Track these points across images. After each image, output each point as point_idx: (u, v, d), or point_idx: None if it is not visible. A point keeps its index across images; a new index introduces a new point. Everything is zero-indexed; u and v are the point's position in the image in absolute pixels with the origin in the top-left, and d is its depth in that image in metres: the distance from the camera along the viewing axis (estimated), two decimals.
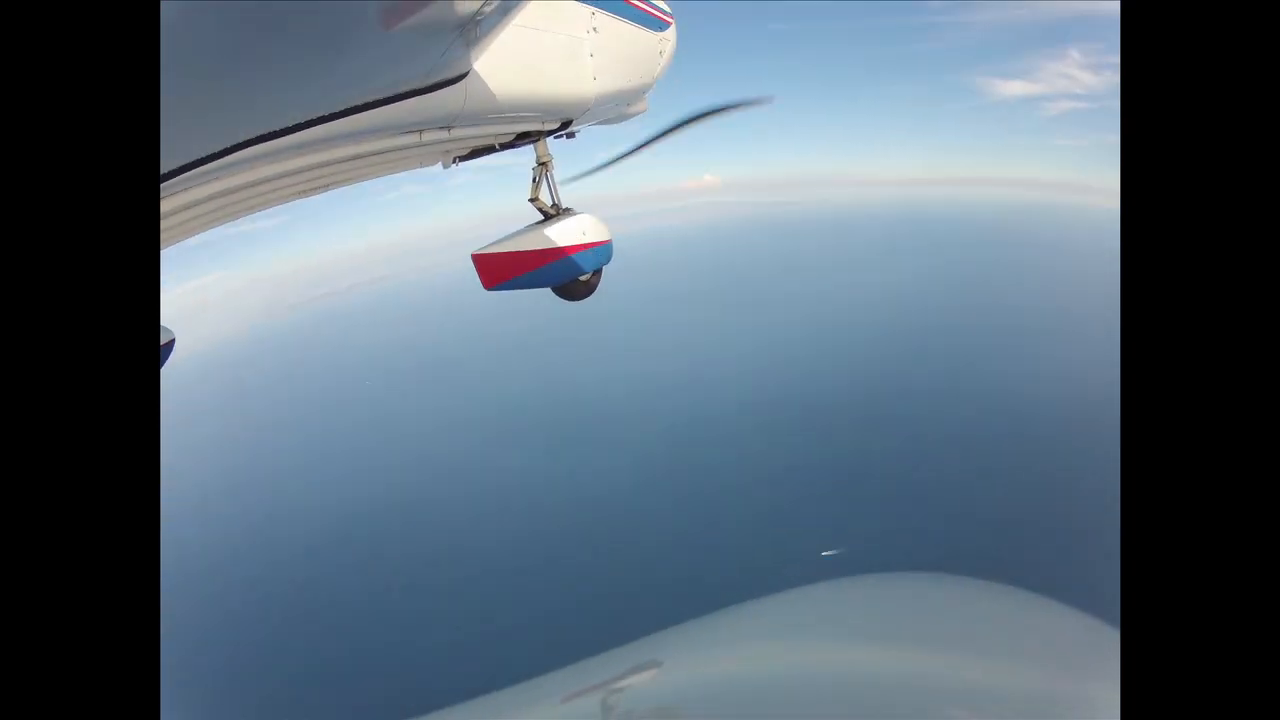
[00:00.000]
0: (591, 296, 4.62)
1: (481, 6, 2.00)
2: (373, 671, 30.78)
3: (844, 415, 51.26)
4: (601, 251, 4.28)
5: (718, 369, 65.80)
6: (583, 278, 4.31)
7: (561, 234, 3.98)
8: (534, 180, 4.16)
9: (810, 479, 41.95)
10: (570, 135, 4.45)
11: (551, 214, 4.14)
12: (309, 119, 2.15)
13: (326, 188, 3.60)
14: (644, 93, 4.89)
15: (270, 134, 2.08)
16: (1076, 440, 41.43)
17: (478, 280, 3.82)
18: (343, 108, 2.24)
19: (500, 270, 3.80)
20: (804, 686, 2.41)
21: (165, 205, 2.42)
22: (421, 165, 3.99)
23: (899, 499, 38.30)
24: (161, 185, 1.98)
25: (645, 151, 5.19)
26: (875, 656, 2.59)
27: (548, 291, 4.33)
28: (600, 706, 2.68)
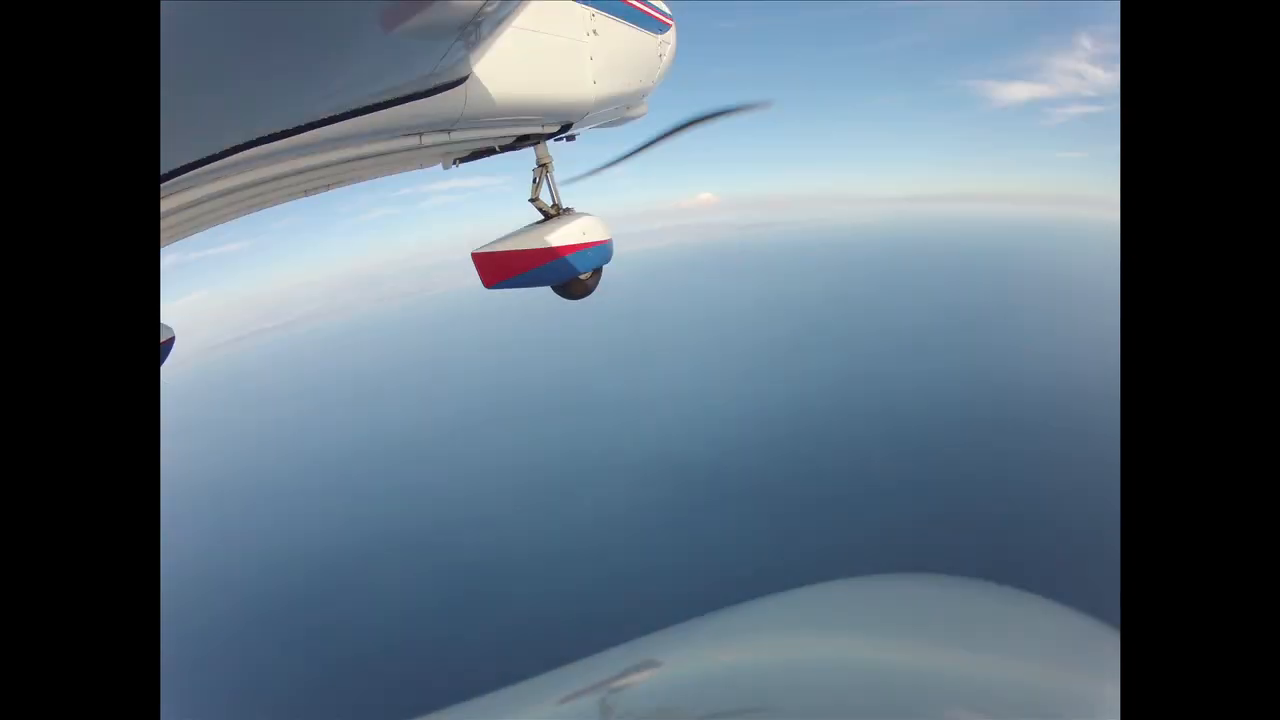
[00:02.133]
0: (590, 296, 4.63)
1: (481, 9, 2.00)
2: (371, 672, 30.76)
3: (844, 418, 51.30)
4: (601, 251, 4.28)
5: (718, 375, 65.85)
6: (582, 277, 4.32)
7: (561, 233, 3.99)
8: (534, 181, 4.17)
9: (810, 479, 41.96)
10: (570, 138, 4.46)
11: (552, 214, 4.15)
12: (309, 121, 2.16)
13: (328, 187, 3.61)
14: (644, 95, 4.89)
15: (270, 136, 2.08)
16: (1077, 441, 41.45)
17: (478, 281, 3.83)
18: (343, 110, 2.24)
19: (500, 269, 3.81)
20: (804, 686, 2.41)
21: (166, 204, 2.43)
22: (422, 166, 4.00)
23: (899, 499, 38.29)
24: (162, 185, 1.98)
25: (646, 154, 5.19)
26: (875, 656, 2.59)
27: (547, 291, 4.34)
28: (599, 706, 2.68)
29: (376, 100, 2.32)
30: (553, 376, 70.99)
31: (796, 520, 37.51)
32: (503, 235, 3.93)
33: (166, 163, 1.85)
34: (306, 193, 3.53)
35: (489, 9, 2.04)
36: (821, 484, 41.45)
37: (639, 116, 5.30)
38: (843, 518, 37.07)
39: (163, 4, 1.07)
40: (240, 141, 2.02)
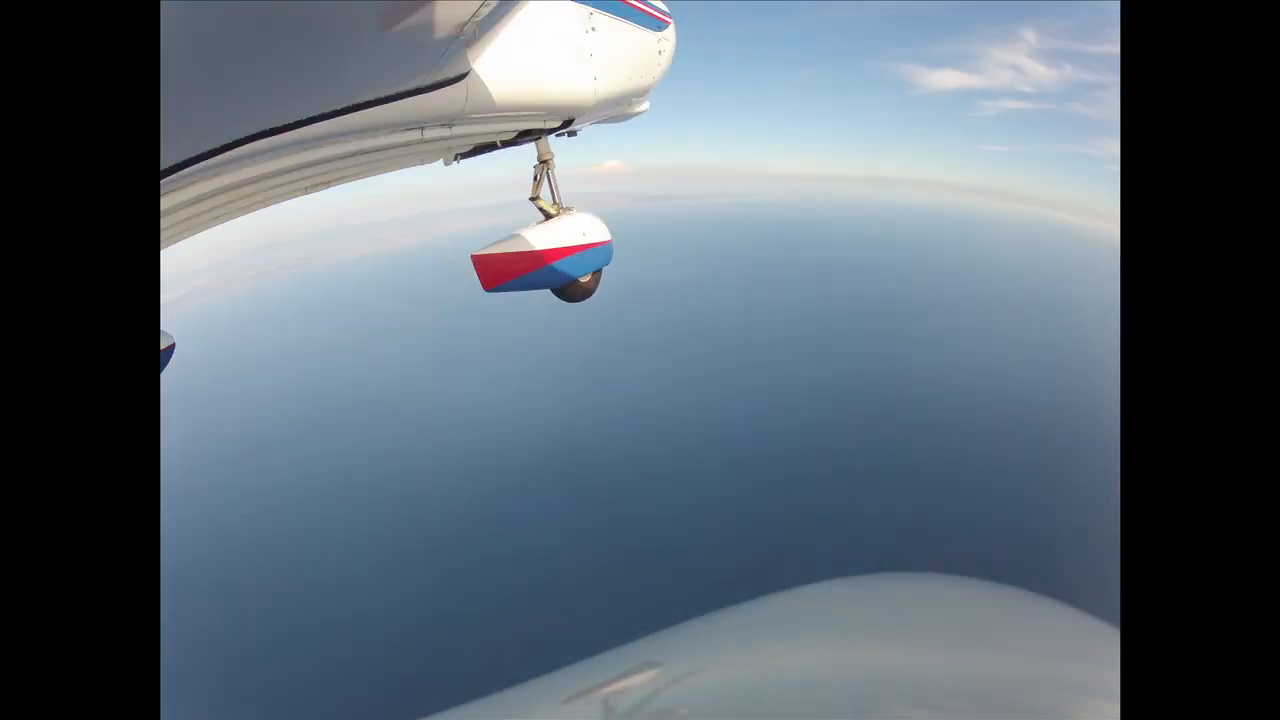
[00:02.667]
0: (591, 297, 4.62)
1: (480, 7, 2.00)
2: (372, 673, 30.76)
3: (843, 416, 51.30)
4: (601, 252, 4.28)
5: (712, 371, 65.83)
6: (582, 279, 4.32)
7: (561, 235, 3.98)
8: (535, 179, 4.16)
9: (809, 480, 41.96)
10: (572, 133, 4.46)
11: (552, 214, 4.14)
12: (310, 116, 2.16)
13: (329, 184, 3.61)
14: (645, 92, 4.89)
15: (271, 130, 2.09)
16: (1076, 441, 41.48)
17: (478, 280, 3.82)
18: (344, 106, 2.24)
19: (500, 272, 3.80)
20: (804, 686, 2.41)
21: (168, 201, 2.43)
22: (423, 162, 4.00)
23: (898, 499, 38.30)
24: (163, 180, 1.98)
25: None
26: (875, 656, 2.59)
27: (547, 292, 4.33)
28: (601, 707, 2.68)
29: (378, 95, 2.33)
30: (552, 376, 70.98)
31: (796, 520, 37.51)
32: (502, 236, 3.93)
33: (168, 157, 1.85)
34: (307, 190, 3.52)
35: (488, 7, 2.04)
36: (821, 481, 41.45)
37: (642, 112, 5.31)
38: (842, 518, 37.07)
39: (163, 3, 1.07)
40: (241, 136, 2.02)
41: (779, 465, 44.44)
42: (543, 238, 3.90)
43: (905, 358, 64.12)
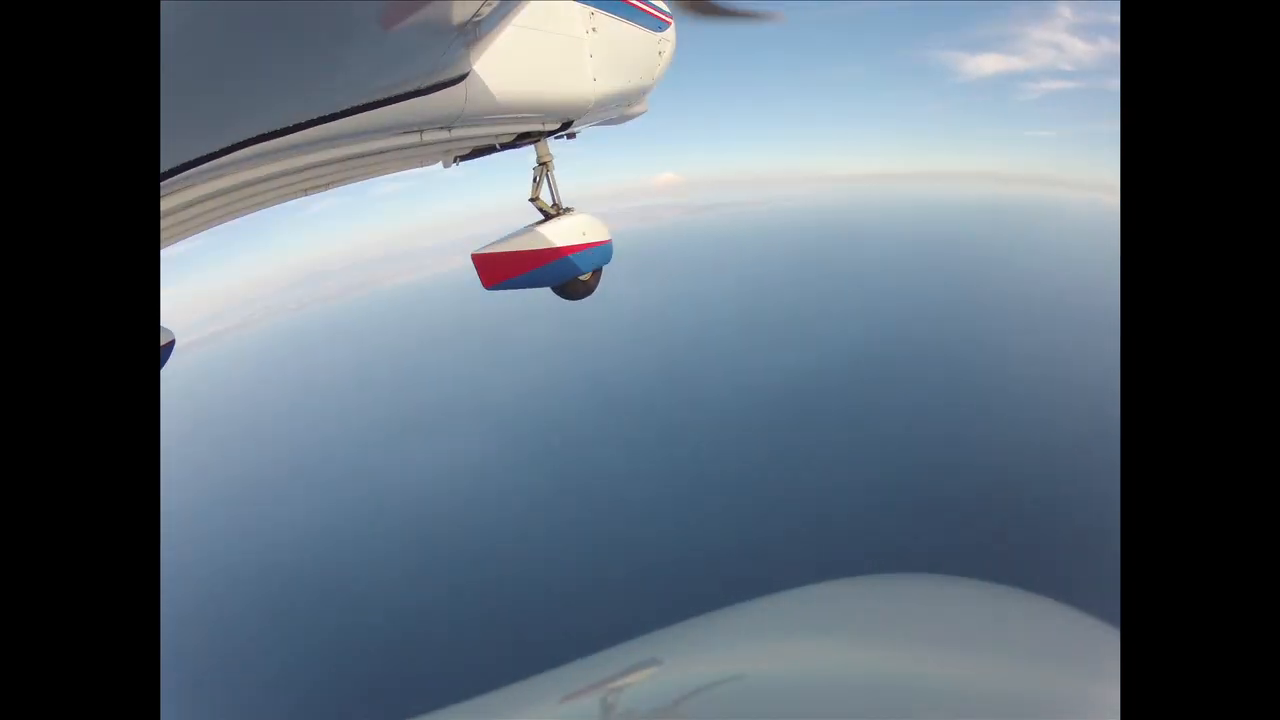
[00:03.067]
0: (591, 296, 4.62)
1: (481, 7, 2.00)
2: (371, 672, 30.78)
3: (842, 416, 51.30)
4: (601, 251, 4.28)
5: (713, 370, 65.82)
6: (582, 277, 4.32)
7: (561, 234, 3.99)
8: (534, 180, 4.16)
9: (810, 479, 41.96)
10: (571, 135, 4.46)
11: (552, 214, 4.14)
12: (310, 118, 2.16)
13: (328, 186, 3.61)
14: (644, 93, 4.89)
15: (271, 133, 2.09)
16: (1076, 440, 41.46)
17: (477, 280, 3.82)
18: (344, 108, 2.24)
19: (500, 270, 3.80)
20: (804, 687, 2.41)
21: (167, 203, 2.43)
22: (422, 165, 4.00)
23: (898, 499, 38.30)
24: (163, 183, 1.98)
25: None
26: (875, 657, 2.59)
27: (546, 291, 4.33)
28: (599, 706, 2.68)
29: (378, 97, 2.33)
30: (551, 376, 71.02)
31: (796, 520, 37.51)
32: (502, 236, 3.93)
33: (168, 160, 1.85)
34: (306, 192, 3.52)
35: (488, 7, 2.04)
36: (821, 481, 41.46)
37: (640, 114, 5.30)
38: (842, 518, 37.07)
39: (163, 4, 1.07)
40: (242, 138, 2.02)
41: (779, 465, 44.45)
42: (543, 237, 3.91)
43: (925, 355, 63.93)
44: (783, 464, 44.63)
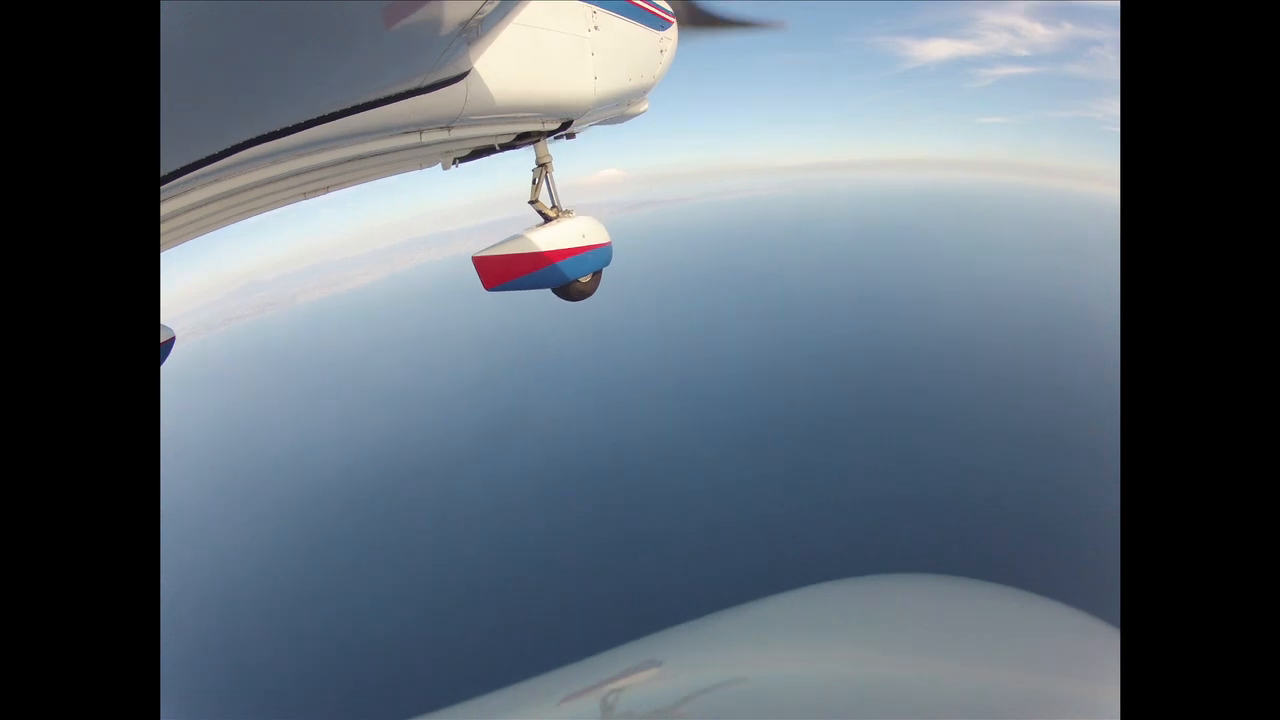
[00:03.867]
0: (591, 297, 4.63)
1: (482, 6, 2.00)
2: (372, 672, 30.77)
3: (842, 417, 51.31)
4: (601, 254, 4.29)
5: (712, 370, 65.82)
6: (582, 280, 4.32)
7: (561, 236, 3.99)
8: (534, 182, 4.16)
9: (810, 479, 41.97)
10: (571, 136, 4.46)
11: (552, 216, 4.14)
12: (310, 119, 2.16)
13: (327, 189, 3.61)
14: (645, 92, 4.89)
15: (271, 134, 2.08)
16: (1078, 440, 41.47)
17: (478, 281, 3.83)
18: (344, 107, 2.24)
19: (500, 272, 3.81)
20: (804, 687, 2.41)
21: (168, 207, 2.42)
22: (422, 166, 3.99)
23: (898, 499, 38.30)
24: (163, 187, 1.98)
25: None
26: (875, 657, 2.59)
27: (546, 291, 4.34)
28: (600, 707, 2.68)
29: (378, 96, 2.33)
30: (551, 375, 71.04)
31: (797, 520, 37.51)
32: (503, 238, 3.93)
33: (168, 163, 1.85)
34: (305, 195, 3.52)
35: (490, 6, 2.04)
36: (821, 481, 41.46)
37: (640, 113, 5.30)
38: (842, 518, 37.07)
39: (163, 4, 1.07)
40: (243, 139, 2.02)
41: (778, 466, 44.44)
42: (542, 239, 3.91)
43: (906, 351, 63.92)
44: (783, 464, 44.62)
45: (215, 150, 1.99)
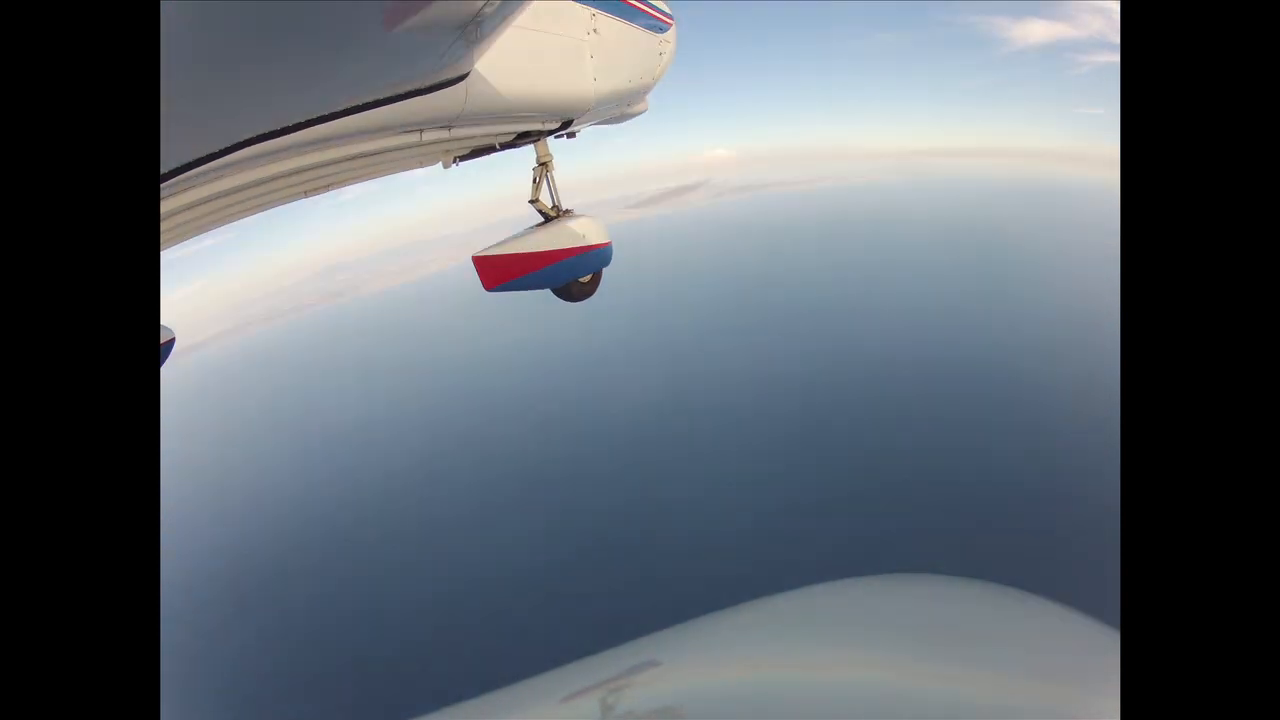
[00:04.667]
0: (591, 297, 4.63)
1: (483, 7, 2.00)
2: (371, 672, 30.78)
3: (843, 416, 51.29)
4: (601, 254, 4.29)
5: (717, 367, 65.76)
6: (582, 280, 4.33)
7: (561, 237, 3.99)
8: (534, 181, 4.16)
9: (810, 479, 41.97)
10: (571, 135, 4.46)
11: (552, 216, 4.14)
12: (310, 118, 2.16)
13: (328, 188, 3.61)
14: (645, 93, 4.89)
15: (271, 133, 2.09)
16: (1078, 440, 41.44)
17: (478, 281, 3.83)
18: (344, 107, 2.24)
19: (500, 272, 3.81)
20: (804, 688, 2.41)
21: (167, 206, 2.42)
22: (422, 165, 3.99)
23: (898, 499, 38.30)
24: (163, 185, 1.98)
25: None
26: (875, 658, 2.59)
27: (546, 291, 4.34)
28: (600, 706, 2.68)
29: (378, 96, 2.33)
30: (551, 375, 71.03)
31: (797, 520, 37.50)
32: (503, 238, 3.93)
33: (168, 161, 1.85)
34: (306, 193, 3.52)
35: (490, 8, 2.04)
36: (822, 481, 41.45)
37: (639, 114, 5.31)
38: (842, 518, 37.07)
39: (163, 4, 1.07)
40: (243, 138, 2.02)
41: (778, 466, 44.44)
42: (543, 239, 3.91)
43: (893, 352, 63.51)
44: (783, 464, 44.62)
45: (216, 148, 1.99)
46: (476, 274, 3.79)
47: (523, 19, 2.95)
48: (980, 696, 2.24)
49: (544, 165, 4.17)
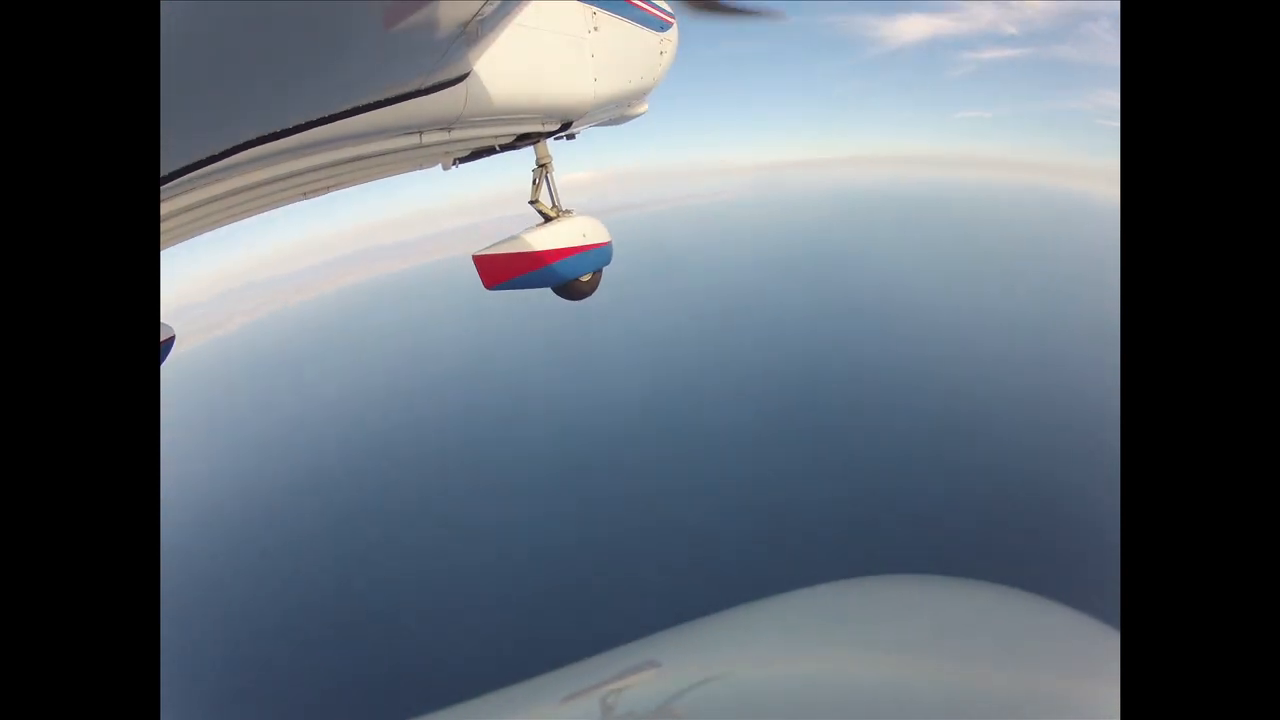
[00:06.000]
0: (591, 297, 4.63)
1: (482, 7, 2.00)
2: (372, 672, 30.77)
3: (844, 415, 51.30)
4: (601, 253, 4.29)
5: (714, 369, 65.81)
6: (582, 278, 4.33)
7: (561, 236, 4.00)
8: (534, 182, 4.17)
9: (810, 480, 41.96)
10: (571, 136, 4.46)
11: (552, 215, 4.15)
12: (310, 120, 2.16)
13: (327, 189, 3.61)
14: (645, 94, 4.89)
15: (271, 135, 2.09)
16: (1077, 439, 41.47)
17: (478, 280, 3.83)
18: (344, 108, 2.24)
19: (501, 271, 3.81)
20: (804, 688, 2.41)
21: (167, 207, 2.42)
22: (422, 167, 4.00)
23: (898, 500, 38.30)
24: (163, 187, 1.98)
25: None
26: (875, 658, 2.59)
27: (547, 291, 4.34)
28: (600, 707, 2.68)
29: (378, 97, 2.33)
30: (552, 374, 71.02)
31: (797, 521, 37.51)
32: (503, 237, 3.94)
33: (168, 163, 1.85)
34: (306, 195, 3.52)
35: (490, 7, 2.04)
36: (822, 482, 41.45)
37: (639, 114, 5.31)
38: (842, 519, 37.08)
39: (163, 4, 1.07)
40: (243, 140, 2.02)
41: (778, 466, 44.43)
42: (542, 239, 3.92)
43: (891, 352, 63.90)
44: (783, 464, 44.62)
45: (216, 150, 1.99)
46: (477, 272, 3.79)
47: (522, 18, 2.95)
48: (980, 696, 2.24)
49: (543, 166, 4.17)
